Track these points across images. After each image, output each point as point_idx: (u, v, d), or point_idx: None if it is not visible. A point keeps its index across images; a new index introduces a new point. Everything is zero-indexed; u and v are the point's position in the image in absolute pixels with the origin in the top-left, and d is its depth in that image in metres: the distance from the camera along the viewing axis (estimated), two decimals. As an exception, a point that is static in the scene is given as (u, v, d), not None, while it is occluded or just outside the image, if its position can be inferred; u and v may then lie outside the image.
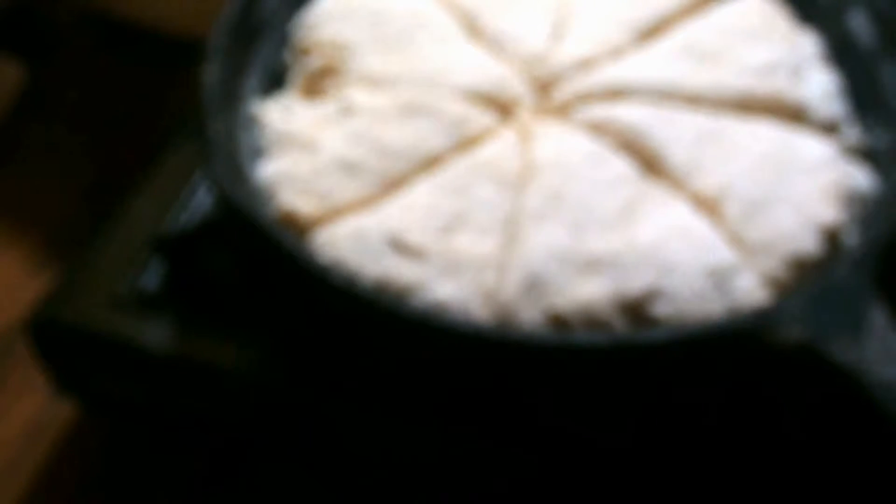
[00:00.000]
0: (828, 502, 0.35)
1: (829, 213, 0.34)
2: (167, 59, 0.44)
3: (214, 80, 0.37)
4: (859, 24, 0.38)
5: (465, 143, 0.36)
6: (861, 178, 0.36)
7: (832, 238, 0.34)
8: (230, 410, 0.38)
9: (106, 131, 0.50)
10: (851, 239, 0.34)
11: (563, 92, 0.38)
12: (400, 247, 0.33)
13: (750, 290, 0.33)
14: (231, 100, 0.37)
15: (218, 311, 0.37)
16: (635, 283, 0.32)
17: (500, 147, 0.36)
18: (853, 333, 0.31)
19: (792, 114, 0.37)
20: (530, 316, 0.32)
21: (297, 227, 0.35)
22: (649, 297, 0.32)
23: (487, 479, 0.36)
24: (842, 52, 0.39)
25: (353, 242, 0.34)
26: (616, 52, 0.38)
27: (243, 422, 0.38)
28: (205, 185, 0.39)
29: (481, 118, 0.37)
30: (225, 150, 0.36)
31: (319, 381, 0.36)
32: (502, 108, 0.37)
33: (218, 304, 0.37)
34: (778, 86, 0.37)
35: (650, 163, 0.35)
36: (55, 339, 0.38)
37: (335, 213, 0.35)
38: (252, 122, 0.38)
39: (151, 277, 0.38)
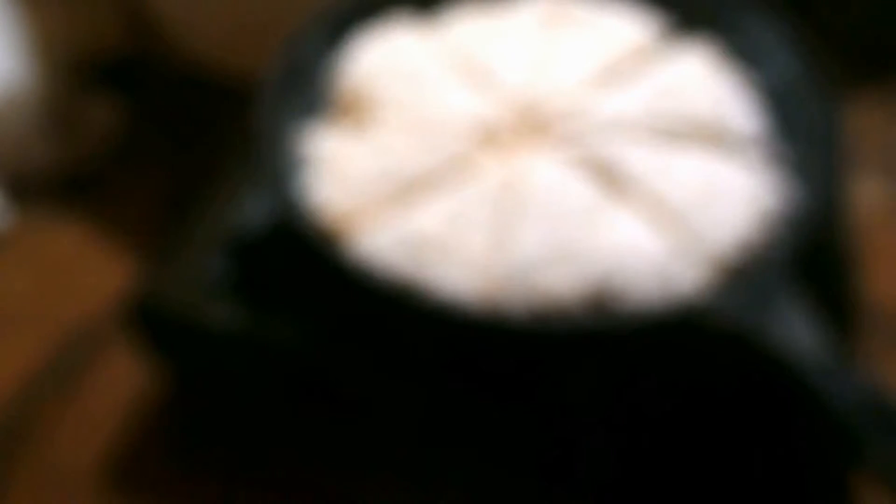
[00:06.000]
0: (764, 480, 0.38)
1: (752, 222, 0.38)
2: (234, 99, 0.47)
3: (266, 115, 0.41)
4: (776, 67, 0.42)
5: (463, 166, 0.40)
6: (778, 194, 0.39)
7: (756, 243, 0.38)
8: (287, 380, 0.42)
9: (185, 156, 0.53)
10: (772, 243, 0.38)
11: (542, 125, 0.41)
12: (414, 250, 0.38)
13: (688, 286, 0.37)
14: (280, 130, 0.41)
15: (277, 300, 0.40)
16: (595, 279, 0.37)
17: (490, 169, 0.40)
18: (768, 319, 0.35)
19: (722, 142, 0.40)
20: (516, 305, 0.37)
21: (331, 236, 0.39)
22: (607, 290, 0.37)
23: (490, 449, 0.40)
24: (762, 91, 0.42)
25: (378, 245, 0.38)
26: (585, 93, 0.42)
27: (299, 390, 0.42)
28: (258, 199, 0.42)
29: (475, 146, 0.40)
30: (274, 171, 0.40)
31: (358, 356, 0.40)
32: (492, 138, 0.41)
33: (277, 294, 0.41)
34: (711, 119, 0.40)
35: (610, 181, 0.39)
36: (152, 319, 0.42)
37: (360, 221, 0.39)
38: (296, 148, 0.41)
39: (226, 271, 0.42)
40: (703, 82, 0.42)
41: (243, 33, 0.53)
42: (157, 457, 0.44)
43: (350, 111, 0.43)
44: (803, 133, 0.41)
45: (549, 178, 0.40)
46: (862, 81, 0.55)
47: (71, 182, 0.54)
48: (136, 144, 0.55)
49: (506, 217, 0.39)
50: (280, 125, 0.42)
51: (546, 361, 0.38)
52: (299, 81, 0.43)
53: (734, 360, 0.37)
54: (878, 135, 0.54)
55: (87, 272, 0.50)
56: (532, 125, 0.42)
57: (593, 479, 0.40)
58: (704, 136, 0.41)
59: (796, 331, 0.35)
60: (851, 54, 0.56)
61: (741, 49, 0.43)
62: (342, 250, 0.39)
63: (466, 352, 0.38)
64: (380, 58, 0.44)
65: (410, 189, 0.40)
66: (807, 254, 0.38)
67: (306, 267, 0.40)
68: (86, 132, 0.55)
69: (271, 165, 0.40)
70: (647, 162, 0.40)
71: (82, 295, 0.49)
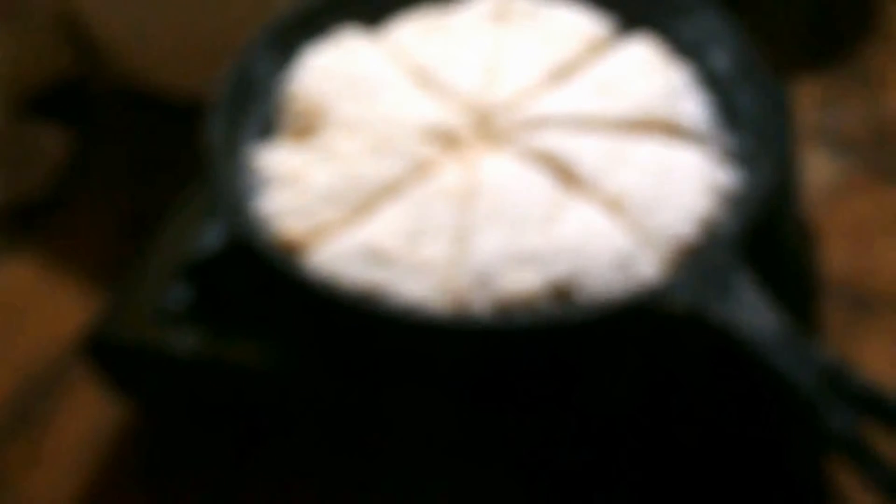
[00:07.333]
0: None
1: (704, 206, 0.39)
2: (185, 118, 0.46)
3: (217, 134, 0.41)
4: (717, 57, 0.43)
5: (420, 170, 0.41)
6: (728, 177, 0.41)
7: (708, 226, 0.39)
8: (252, 399, 0.42)
9: (138, 181, 0.54)
10: (723, 225, 0.39)
11: (497, 124, 0.42)
12: (375, 258, 0.38)
13: (647, 271, 0.38)
14: (232, 148, 0.42)
15: (237, 321, 0.41)
16: (557, 271, 0.37)
17: (448, 172, 0.41)
18: (725, 299, 0.36)
19: (671, 130, 0.42)
20: (480, 304, 0.38)
21: (291, 249, 0.40)
22: (570, 283, 0.37)
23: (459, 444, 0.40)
24: (705, 80, 0.43)
25: (339, 258, 0.39)
26: (536, 90, 0.43)
27: (264, 407, 0.42)
28: (215, 220, 0.42)
29: (431, 150, 0.41)
30: (229, 190, 0.40)
31: (322, 370, 0.39)
32: (448, 140, 0.42)
33: (236, 315, 0.41)
34: (659, 109, 0.42)
35: (566, 175, 0.40)
36: (107, 352, 0.42)
37: (320, 234, 0.40)
38: (250, 165, 0.42)
39: (181, 296, 0.42)
40: (650, 73, 0.43)
41: (190, 52, 0.53)
42: (128, 486, 0.45)
43: (303, 123, 0.44)
44: (749, 118, 0.42)
45: (506, 178, 0.40)
46: (803, 65, 0.57)
47: (21, 216, 0.54)
48: (87, 173, 0.56)
49: (466, 221, 0.39)
50: (232, 143, 0.42)
51: (513, 357, 0.38)
52: (249, 97, 0.44)
53: (695, 341, 0.38)
54: (822, 114, 0.55)
55: (42, 308, 0.50)
56: (487, 125, 0.43)
57: (568, 468, 0.41)
58: (655, 124, 0.42)
59: (752, 308, 0.36)
60: (792, 40, 0.58)
61: (684, 41, 0.45)
62: (303, 265, 0.39)
63: (434, 355, 0.39)
64: (330, 67, 0.45)
65: (369, 198, 0.41)
66: (760, 232, 0.38)
67: (267, 286, 0.40)
68: (33, 163, 0.55)
69: (225, 185, 0.41)
70: (601, 153, 0.41)
71: (39, 332, 0.49)
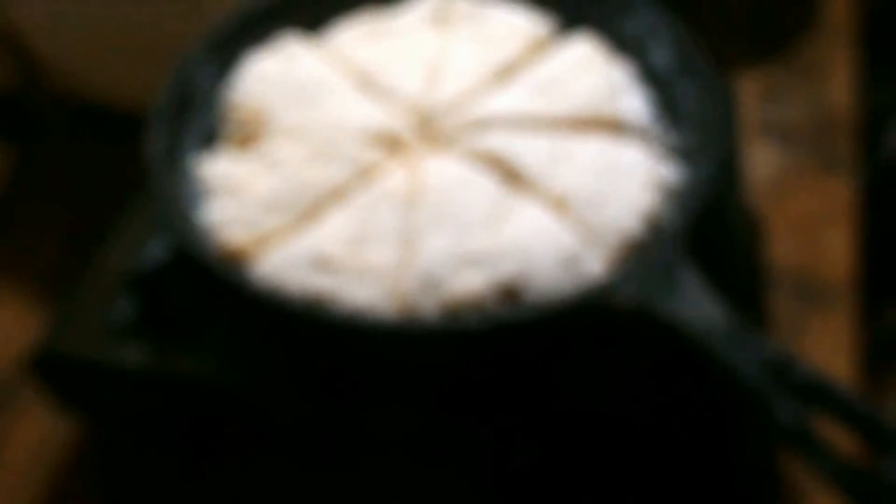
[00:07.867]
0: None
1: (648, 201, 0.39)
2: (130, 133, 0.45)
3: (158, 144, 0.41)
4: (658, 53, 0.43)
5: (364, 175, 0.41)
6: (671, 172, 0.41)
7: (652, 221, 0.39)
8: (202, 412, 0.42)
9: (83, 196, 0.54)
10: (667, 220, 0.39)
11: (440, 127, 0.42)
12: (321, 265, 0.38)
13: (593, 269, 0.38)
14: (174, 158, 0.41)
15: (183, 333, 0.41)
16: (504, 272, 0.37)
17: (392, 175, 0.40)
18: (670, 294, 0.36)
19: (614, 127, 0.42)
20: (428, 308, 0.37)
21: (236, 259, 0.39)
22: (516, 282, 0.37)
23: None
24: (647, 77, 0.43)
25: (285, 266, 0.38)
26: (479, 91, 0.43)
27: (215, 420, 0.42)
28: (159, 233, 0.42)
29: (375, 154, 0.41)
30: (171, 201, 0.40)
31: (271, 380, 0.39)
32: (391, 144, 0.42)
33: (183, 327, 0.41)
34: (601, 106, 0.42)
35: (511, 176, 0.40)
36: (55, 368, 0.41)
37: (265, 243, 0.39)
38: (193, 176, 0.42)
39: (126, 310, 0.42)
40: (592, 71, 0.43)
41: (131, 61, 0.53)
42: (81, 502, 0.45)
43: (246, 131, 0.43)
44: (692, 112, 0.42)
45: (451, 180, 0.40)
46: (746, 59, 0.58)
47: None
48: (30, 188, 0.55)
49: (411, 225, 0.39)
50: (174, 153, 0.42)
51: (463, 359, 0.38)
52: (190, 106, 0.43)
53: (643, 337, 0.38)
54: (765, 107, 0.56)
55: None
56: (430, 128, 0.43)
57: (529, 470, 0.41)
58: (597, 122, 0.42)
59: (697, 302, 0.36)
60: (734, 34, 0.58)
61: (625, 38, 0.45)
62: (248, 274, 0.39)
63: (383, 360, 0.38)
64: (271, 74, 0.44)
65: (313, 205, 0.40)
66: (706, 226, 0.39)
67: (213, 296, 0.40)
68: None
69: (167, 196, 0.40)
70: (545, 152, 0.41)
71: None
